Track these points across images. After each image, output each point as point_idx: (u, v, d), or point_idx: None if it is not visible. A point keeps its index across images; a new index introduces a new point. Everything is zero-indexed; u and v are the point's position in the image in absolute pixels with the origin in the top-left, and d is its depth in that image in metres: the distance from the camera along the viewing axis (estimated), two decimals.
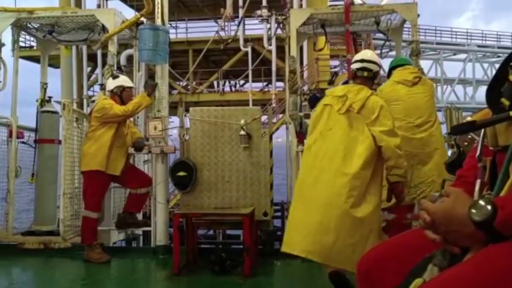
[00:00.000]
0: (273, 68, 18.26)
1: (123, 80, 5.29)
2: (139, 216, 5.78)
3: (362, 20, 6.03)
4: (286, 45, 6.21)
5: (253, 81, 19.59)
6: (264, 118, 6.02)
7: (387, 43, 6.77)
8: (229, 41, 15.94)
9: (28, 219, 7.23)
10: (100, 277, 4.64)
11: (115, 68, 5.86)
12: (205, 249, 5.52)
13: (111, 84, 5.25)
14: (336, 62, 18.80)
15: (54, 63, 16.45)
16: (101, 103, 5.07)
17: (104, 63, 12.03)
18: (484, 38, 27.96)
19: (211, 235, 14.50)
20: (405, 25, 6.18)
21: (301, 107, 6.12)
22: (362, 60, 3.73)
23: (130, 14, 19.36)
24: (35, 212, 6.22)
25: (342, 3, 6.43)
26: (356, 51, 7.85)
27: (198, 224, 5.12)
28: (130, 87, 5.31)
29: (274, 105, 17.65)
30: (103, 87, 5.99)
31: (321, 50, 7.55)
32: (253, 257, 4.63)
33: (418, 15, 5.78)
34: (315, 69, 17.52)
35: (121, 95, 5.20)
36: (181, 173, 5.14)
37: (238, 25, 17.68)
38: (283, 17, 10.27)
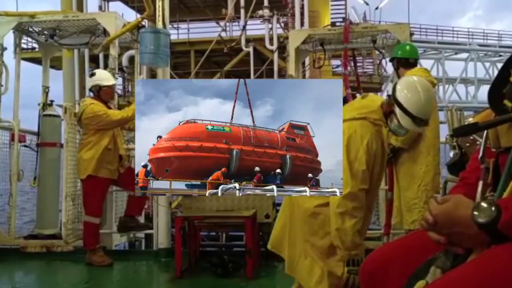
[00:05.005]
0: (275, 68, 18.24)
1: (99, 78, 5.00)
2: (141, 218, 5.76)
3: (359, 38, 6.36)
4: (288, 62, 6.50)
5: None
6: None
7: None
8: (233, 44, 15.90)
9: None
10: (103, 280, 4.64)
11: (117, 70, 5.85)
12: (207, 252, 5.51)
13: (88, 83, 5.03)
14: (337, 62, 18.76)
15: (56, 64, 16.45)
16: (91, 110, 4.81)
17: (106, 65, 12.02)
18: (485, 37, 27.89)
19: (214, 236, 14.45)
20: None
21: None
22: None
23: (131, 15, 19.44)
24: (37, 215, 6.22)
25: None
26: (356, 67, 8.04)
27: (200, 226, 5.10)
28: (108, 86, 4.98)
29: None
30: None
31: (320, 67, 7.81)
32: (256, 259, 4.62)
33: (411, 34, 5.92)
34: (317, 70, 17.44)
35: (99, 94, 4.97)
36: None
37: (243, 29, 17.63)
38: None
